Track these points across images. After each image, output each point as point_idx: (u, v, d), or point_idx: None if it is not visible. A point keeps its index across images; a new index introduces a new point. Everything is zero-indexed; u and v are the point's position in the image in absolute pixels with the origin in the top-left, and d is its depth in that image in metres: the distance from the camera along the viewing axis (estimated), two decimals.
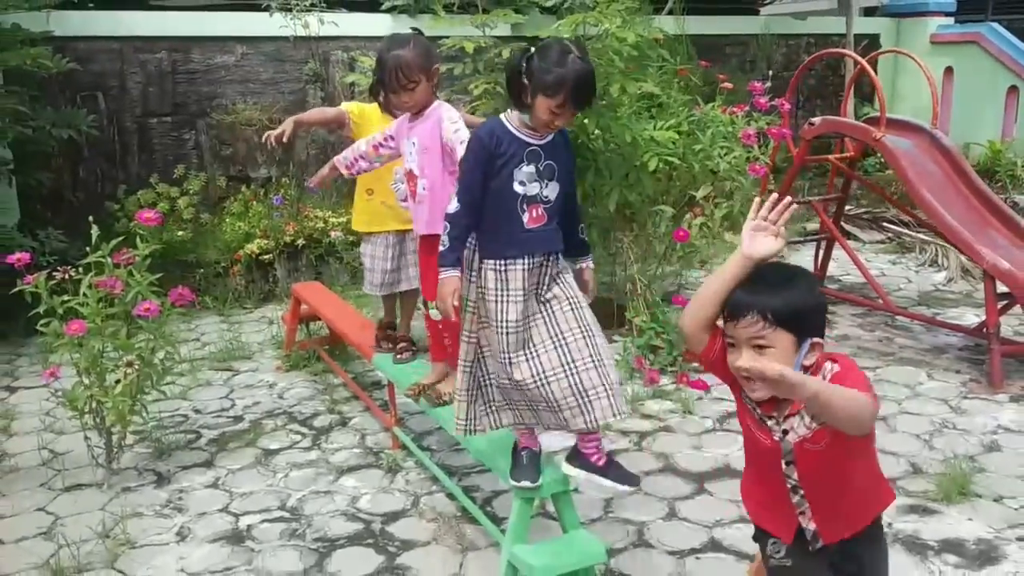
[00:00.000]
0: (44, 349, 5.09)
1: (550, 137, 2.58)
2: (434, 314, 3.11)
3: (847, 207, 6.94)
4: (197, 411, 4.53)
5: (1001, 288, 4.66)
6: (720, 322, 2.06)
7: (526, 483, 2.73)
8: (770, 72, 6.42)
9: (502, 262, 2.59)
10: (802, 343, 1.96)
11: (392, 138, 3.23)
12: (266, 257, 6.39)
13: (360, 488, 3.67)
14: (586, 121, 4.81)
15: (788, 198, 2.06)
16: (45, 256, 5.36)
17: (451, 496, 3.54)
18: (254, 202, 6.76)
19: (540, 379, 2.58)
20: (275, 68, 7.07)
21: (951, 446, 3.87)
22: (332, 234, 6.42)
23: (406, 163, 3.19)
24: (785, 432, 2.02)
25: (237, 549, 3.23)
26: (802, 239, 7.11)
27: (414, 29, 3.25)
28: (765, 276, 2.00)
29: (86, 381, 3.60)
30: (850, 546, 2.08)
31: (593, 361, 2.60)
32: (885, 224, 7.89)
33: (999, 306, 4.68)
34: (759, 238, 2.02)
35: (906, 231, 7.62)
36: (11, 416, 4.48)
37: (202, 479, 3.79)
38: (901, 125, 5.55)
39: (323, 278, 6.33)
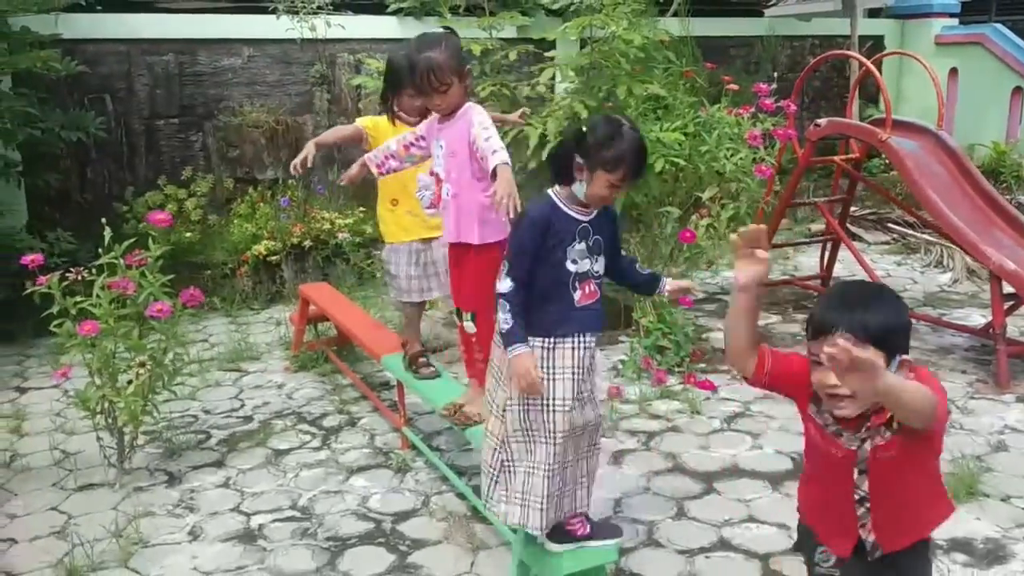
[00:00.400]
0: (53, 350, 5.12)
1: (595, 212, 2.58)
2: (468, 327, 3.09)
3: (852, 208, 6.95)
4: (207, 411, 4.55)
5: (1007, 289, 4.68)
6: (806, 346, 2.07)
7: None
8: (776, 74, 6.42)
9: (551, 340, 2.58)
10: (892, 360, 1.95)
11: (423, 138, 3.20)
12: (273, 258, 6.41)
13: (370, 488, 3.69)
14: None
15: (762, 226, 2.10)
16: (55, 257, 5.38)
17: (461, 496, 3.56)
18: (261, 203, 6.77)
19: (572, 459, 2.71)
20: (282, 70, 7.10)
21: (958, 446, 3.89)
22: (339, 235, 6.45)
23: (434, 165, 3.17)
24: (863, 441, 2.03)
25: (249, 548, 3.26)
26: (808, 240, 7.13)
27: (446, 28, 3.18)
28: (852, 292, 2.02)
29: (98, 381, 3.62)
30: (895, 557, 2.10)
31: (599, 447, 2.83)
32: (890, 225, 7.91)
33: (1005, 307, 4.69)
34: (742, 266, 2.06)
35: (911, 232, 7.64)
36: (22, 416, 4.50)
37: (213, 479, 3.81)
38: (906, 126, 5.57)
39: (330, 279, 6.34)
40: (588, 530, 2.78)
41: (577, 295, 2.57)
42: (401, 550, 3.22)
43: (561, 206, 2.55)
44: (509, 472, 2.69)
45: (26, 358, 5.43)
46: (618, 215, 2.77)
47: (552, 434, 2.59)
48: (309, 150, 3.75)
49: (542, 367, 2.56)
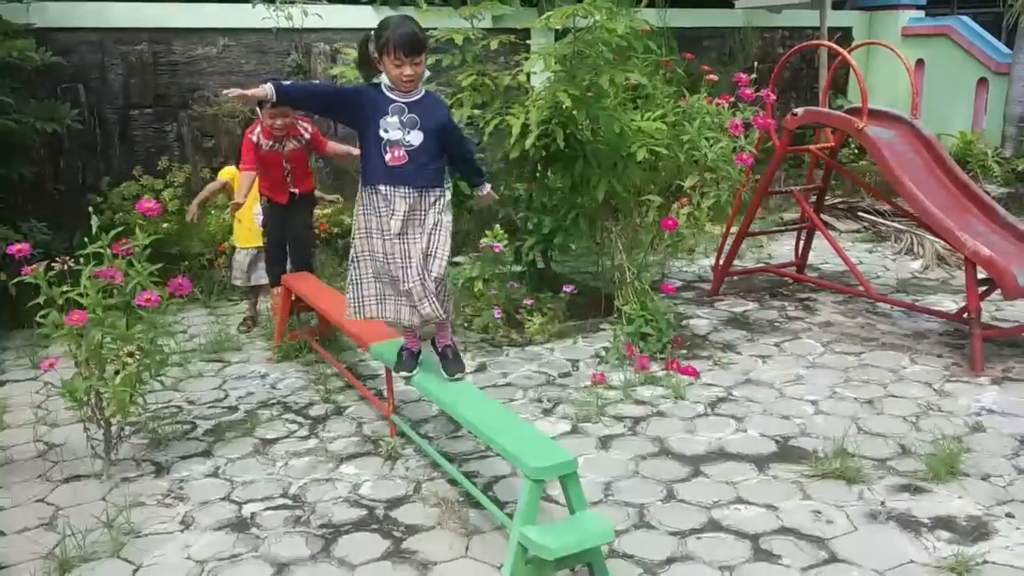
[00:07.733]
0: (31, 342, 5.06)
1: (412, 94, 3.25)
2: None
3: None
4: (191, 402, 4.53)
5: (981, 274, 4.77)
6: None
7: (404, 373, 3.60)
8: (756, 63, 6.50)
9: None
10: None
11: None
12: None
13: (361, 475, 3.70)
14: (575, 112, 4.86)
15: None
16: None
17: (452, 482, 3.58)
18: None
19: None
20: (257, 60, 7.04)
21: (938, 427, 3.98)
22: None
23: None
24: None
25: (243, 536, 3.25)
26: (783, 228, 7.22)
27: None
28: None
29: (85, 372, 3.59)
30: None
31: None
32: (860, 213, 8.02)
33: (979, 291, 4.79)
34: None
35: (881, 220, 7.76)
36: (2, 409, 4.43)
37: (202, 468, 3.79)
38: (881, 115, 5.65)
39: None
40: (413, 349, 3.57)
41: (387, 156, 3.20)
42: (395, 536, 3.23)
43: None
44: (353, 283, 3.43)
45: (1, 351, 5.35)
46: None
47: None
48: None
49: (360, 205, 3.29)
